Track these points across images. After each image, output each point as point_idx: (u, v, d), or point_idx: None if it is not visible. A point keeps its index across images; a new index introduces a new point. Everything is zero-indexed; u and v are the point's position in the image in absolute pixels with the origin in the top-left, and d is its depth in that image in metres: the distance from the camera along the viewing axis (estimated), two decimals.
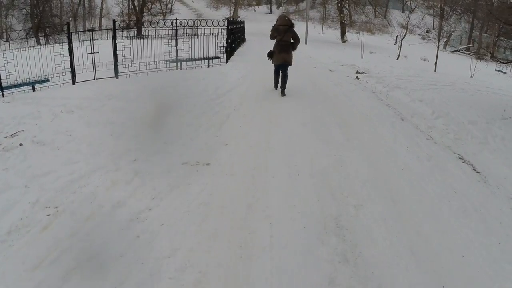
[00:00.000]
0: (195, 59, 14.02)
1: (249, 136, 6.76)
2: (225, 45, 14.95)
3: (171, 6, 51.48)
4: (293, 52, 9.63)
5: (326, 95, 10.25)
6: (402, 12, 58.65)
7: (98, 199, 4.72)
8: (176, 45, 13.44)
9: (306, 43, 27.32)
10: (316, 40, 32.75)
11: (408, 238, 4.14)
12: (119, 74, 11.71)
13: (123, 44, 11.59)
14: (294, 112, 8.32)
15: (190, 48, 13.59)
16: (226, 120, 7.62)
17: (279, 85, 9.77)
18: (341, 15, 36.13)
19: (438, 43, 25.05)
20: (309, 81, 12.09)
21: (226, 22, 14.90)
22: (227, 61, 15.11)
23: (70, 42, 10.51)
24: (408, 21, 29.72)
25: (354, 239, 4.02)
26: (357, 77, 14.06)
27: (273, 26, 9.73)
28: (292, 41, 9.51)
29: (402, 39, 26.53)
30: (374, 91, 11.36)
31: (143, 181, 5.06)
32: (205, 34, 14.03)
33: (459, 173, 6.15)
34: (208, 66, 14.34)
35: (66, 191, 4.85)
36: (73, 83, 10.51)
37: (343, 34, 36.12)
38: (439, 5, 56.41)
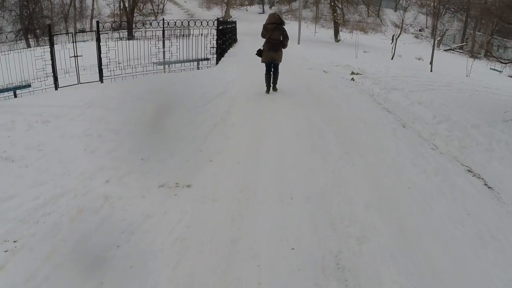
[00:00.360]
0: (184, 61, 13.33)
1: (237, 150, 6.06)
2: (215, 46, 14.28)
3: (163, 7, 50.80)
4: (283, 50, 9.53)
5: (322, 99, 9.59)
6: (395, 11, 58.15)
7: (61, 232, 4.02)
8: (164, 46, 12.75)
9: (299, 43, 26.69)
10: (309, 40, 32.13)
11: (421, 279, 3.47)
12: (103, 78, 11.05)
13: (107, 46, 10.93)
14: (287, 120, 7.65)
15: (178, 50, 12.89)
16: (212, 130, 6.91)
17: (271, 86, 9.65)
18: (334, 14, 35.50)
19: (434, 42, 24.38)
20: (303, 83, 11.41)
21: (216, 22, 14.22)
22: (217, 63, 14.43)
23: (51, 45, 9.83)
24: (403, 20, 29.02)
25: (358, 284, 3.34)
26: (352, 79, 13.42)
27: (263, 25, 9.53)
28: (281, 38, 9.33)
29: (397, 38, 25.89)
30: (371, 94, 10.69)
31: (113, 209, 4.35)
32: (194, 35, 13.37)
33: (470, 189, 5.47)
34: (198, 68, 13.66)
35: (28, 221, 4.14)
36: (56, 89, 9.90)
37: (336, 33, 35.51)
38: (432, 4, 56.37)
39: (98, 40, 10.88)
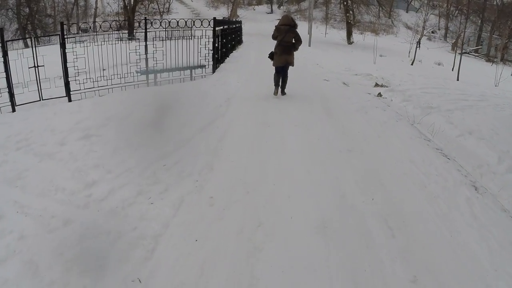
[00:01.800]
0: (173, 70, 10.44)
1: (227, 229, 3.31)
2: (212, 51, 11.39)
3: (169, 6, 48.01)
4: (294, 52, 8.95)
5: (350, 136, 6.48)
6: (407, 12, 55.01)
7: None
8: (146, 52, 9.85)
9: (310, 46, 23.71)
10: (320, 42, 29.08)
11: None
12: (71, 93, 8.31)
13: (75, 53, 8.14)
14: (302, 181, 4.64)
15: (165, 56, 10.02)
16: (183, 201, 4.04)
17: (279, 89, 8.96)
18: (347, 14, 32.15)
19: (462, 47, 21.40)
20: (321, 104, 8.40)
21: (212, 22, 11.31)
22: (213, 71, 11.53)
23: (5, 55, 7.04)
24: (425, 22, 25.97)
25: None
26: (379, 94, 10.44)
27: (275, 26, 9.00)
28: (294, 41, 8.80)
29: (418, 42, 22.84)
30: (411, 122, 7.75)
31: None
32: (186, 38, 10.51)
33: None
34: (191, 78, 10.78)
35: None
36: (13, 110, 7.29)
37: (349, 35, 32.17)
38: (444, 5, 53.19)
39: (62, 46, 8.08)
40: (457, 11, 52.58)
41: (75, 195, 4.20)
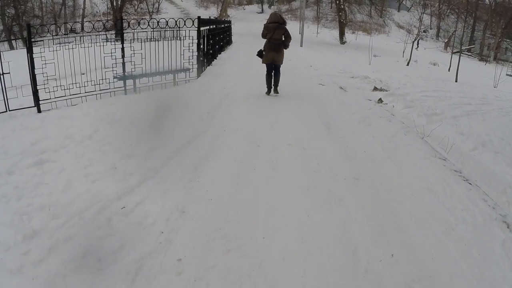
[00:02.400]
0: (153, 74, 9.35)
1: None
2: (197, 53, 10.31)
3: (158, 6, 46.78)
4: (285, 50, 8.75)
5: (354, 156, 5.40)
6: (399, 11, 54.08)
7: None
8: (123, 55, 8.74)
9: (302, 46, 22.67)
10: (312, 42, 28.03)
11: None
12: (41, 103, 7.19)
13: (43, 59, 7.06)
14: (301, 230, 3.52)
15: (144, 60, 8.92)
16: (141, 266, 2.92)
17: (272, 87, 8.82)
18: (340, 13, 31.01)
19: (461, 48, 20.52)
20: (319, 114, 7.33)
21: (196, 22, 10.22)
22: (199, 75, 10.45)
23: None
24: (420, 21, 25.04)
25: None
26: (380, 100, 9.41)
27: (264, 24, 8.78)
28: (283, 39, 8.58)
29: (415, 42, 21.87)
30: (421, 135, 6.71)
31: None
32: (168, 39, 9.42)
33: None
34: (174, 84, 9.69)
35: None
36: None
37: (341, 34, 31.00)
38: (436, 4, 52.35)
39: (29, 50, 6.97)
40: (448, 10, 51.75)
41: (11, 250, 3.11)
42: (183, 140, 5.31)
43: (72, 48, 7.77)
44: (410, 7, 55.36)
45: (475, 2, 46.19)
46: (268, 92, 8.73)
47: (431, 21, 52.10)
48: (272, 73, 8.69)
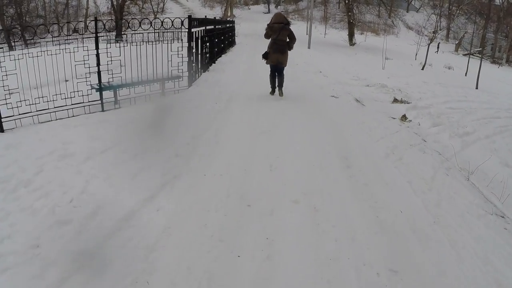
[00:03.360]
0: (136, 84, 7.68)
1: None
2: (187, 58, 8.61)
3: (163, 5, 45.15)
4: (289, 51, 8.24)
5: (387, 223, 3.51)
6: (407, 11, 52.03)
7: None
8: (98, 63, 7.04)
9: (309, 47, 20.89)
10: (320, 43, 26.21)
11: None
12: (3, 120, 5.70)
13: (3, 69, 5.54)
14: None
15: (124, 67, 7.25)
16: None
17: (276, 89, 8.36)
18: (349, 13, 29.01)
19: (482, 53, 18.69)
20: (334, 144, 5.43)
21: (186, 21, 8.51)
22: (190, 85, 8.75)
23: None
24: (438, 23, 23.20)
25: None
26: (404, 117, 7.64)
27: (267, 24, 8.22)
28: (287, 40, 8.10)
29: (432, 45, 20.04)
30: (465, 173, 4.95)
31: None
32: (152, 42, 7.74)
33: None
34: (162, 94, 8.01)
35: None
36: None
37: (351, 35, 28.96)
38: (446, 5, 50.29)
39: None
40: (458, 11, 49.61)
41: None
42: (146, 194, 3.57)
43: (37, 56, 6.17)
44: (419, 8, 53.46)
45: (486, 2, 44.08)
46: (273, 92, 8.33)
47: (440, 21, 50.11)
48: (276, 74, 8.21)
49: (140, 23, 7.72)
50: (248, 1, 51.97)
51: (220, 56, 14.59)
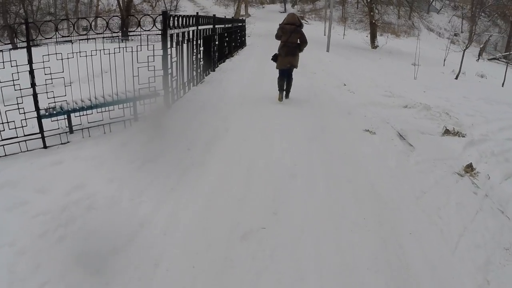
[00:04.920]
0: (98, 106, 5.17)
1: None
2: (163, 71, 5.99)
3: (176, 4, 42.58)
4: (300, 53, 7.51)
5: None
6: (428, 13, 48.62)
7: None
8: (32, 77, 4.50)
9: (328, 51, 18.11)
10: (339, 45, 23.28)
11: None
12: None
13: None
14: None
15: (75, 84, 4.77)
16: None
17: (284, 91, 7.52)
18: (371, 13, 25.82)
19: (508, 58, 15.74)
20: (380, 259, 2.75)
21: (161, 18, 5.89)
22: (169, 106, 6.14)
23: None
24: (474, 27, 20.27)
25: None
26: (469, 167, 4.95)
27: (279, 24, 7.46)
28: (299, 42, 7.34)
29: (464, 50, 17.12)
30: None
31: None
32: (123, 48, 5.20)
33: None
34: (135, 119, 5.47)
35: None
36: None
37: (373, 38, 25.68)
38: (468, 6, 46.91)
39: None
40: (481, 13, 46.09)
41: None
42: None
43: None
44: (440, 9, 50.11)
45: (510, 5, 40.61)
46: (281, 98, 7.49)
47: (462, 24, 46.79)
48: (285, 77, 7.53)
49: (92, 24, 5.15)
50: (264, 0, 49.22)
51: (224, 61, 11.94)
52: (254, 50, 16.05)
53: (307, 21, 43.57)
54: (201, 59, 8.55)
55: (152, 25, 5.64)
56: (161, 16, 5.90)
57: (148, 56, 5.43)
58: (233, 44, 14.46)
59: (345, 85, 9.21)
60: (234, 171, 4.01)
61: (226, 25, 12.36)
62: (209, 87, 8.00)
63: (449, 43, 20.74)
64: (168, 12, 6.42)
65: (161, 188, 3.45)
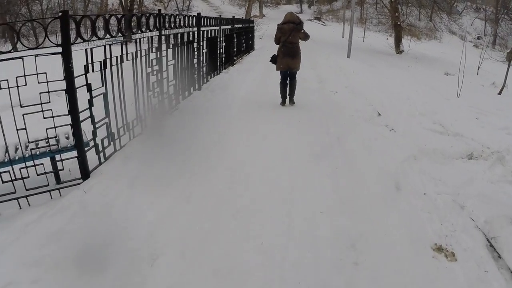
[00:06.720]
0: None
1: None
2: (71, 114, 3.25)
3: (189, 3, 39.84)
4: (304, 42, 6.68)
5: None
6: (449, 15, 45.05)
7: None
8: None
9: (349, 57, 15.15)
10: (360, 49, 20.20)
11: None
12: None
13: None
14: None
15: None
16: None
17: (287, 97, 6.74)
18: (396, 14, 22.43)
19: None
20: None
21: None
22: (91, 171, 3.40)
23: None
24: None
25: None
26: None
27: (278, 25, 6.56)
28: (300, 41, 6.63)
29: (511, 60, 13.97)
30: None
31: None
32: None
33: None
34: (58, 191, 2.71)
35: None
36: None
37: (398, 41, 22.24)
38: (491, 8, 43.34)
39: None
40: (504, 15, 42.38)
41: None
42: None
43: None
44: (462, 11, 46.44)
45: None
46: (283, 103, 6.68)
47: (485, 26, 43.22)
48: (287, 81, 6.60)
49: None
50: (280, 0, 46.25)
51: (220, 72, 9.14)
52: (260, 56, 13.19)
53: (324, 23, 40.49)
54: (183, 77, 5.73)
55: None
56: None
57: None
58: (236, 49, 11.63)
59: (379, 114, 6.28)
60: None
61: (223, 27, 9.51)
62: (187, 117, 5.16)
63: (484, 50, 17.50)
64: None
65: None
